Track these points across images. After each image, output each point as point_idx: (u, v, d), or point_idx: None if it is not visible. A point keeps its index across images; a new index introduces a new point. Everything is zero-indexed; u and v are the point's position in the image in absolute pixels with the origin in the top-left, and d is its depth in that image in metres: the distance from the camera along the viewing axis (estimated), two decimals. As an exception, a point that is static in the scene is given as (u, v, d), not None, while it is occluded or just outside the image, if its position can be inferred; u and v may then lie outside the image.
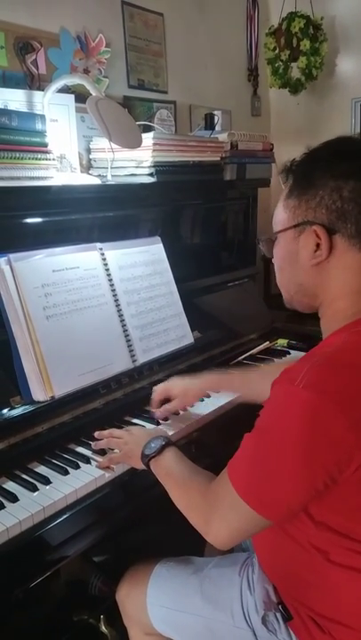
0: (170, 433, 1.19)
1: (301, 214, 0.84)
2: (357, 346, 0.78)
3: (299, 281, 0.88)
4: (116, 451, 1.08)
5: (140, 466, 1.01)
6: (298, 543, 0.85)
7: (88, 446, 1.13)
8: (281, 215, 0.88)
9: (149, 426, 1.23)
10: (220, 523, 0.82)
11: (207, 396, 1.38)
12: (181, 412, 1.29)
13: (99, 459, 1.08)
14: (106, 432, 1.12)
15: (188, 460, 0.98)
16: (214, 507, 0.83)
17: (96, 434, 1.12)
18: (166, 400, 1.26)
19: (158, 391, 1.27)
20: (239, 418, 1.32)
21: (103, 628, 1.32)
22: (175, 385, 1.26)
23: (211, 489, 0.86)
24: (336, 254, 0.82)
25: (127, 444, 1.06)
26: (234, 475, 0.81)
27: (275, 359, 1.65)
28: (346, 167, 0.80)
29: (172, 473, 0.95)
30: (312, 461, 0.73)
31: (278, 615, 0.92)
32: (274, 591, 0.94)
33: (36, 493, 0.98)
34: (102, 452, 1.11)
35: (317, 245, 0.82)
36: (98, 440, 1.12)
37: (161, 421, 1.25)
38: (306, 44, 2.32)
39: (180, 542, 1.21)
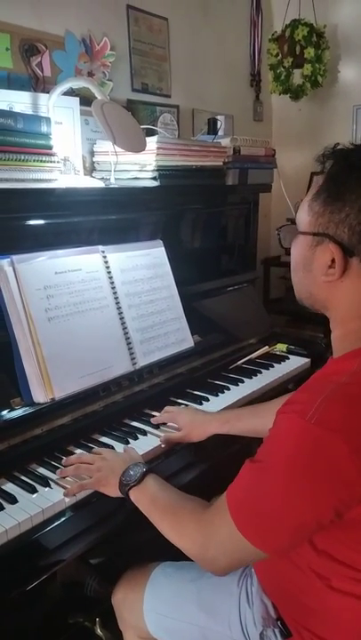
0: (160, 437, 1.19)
1: (323, 225, 0.79)
2: None
3: (310, 290, 0.85)
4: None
5: (116, 494, 0.96)
6: (298, 567, 0.84)
7: (87, 449, 1.13)
8: (304, 216, 0.82)
9: (147, 429, 1.23)
10: (217, 551, 0.80)
11: (206, 399, 1.39)
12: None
13: (67, 485, 1.00)
14: (73, 458, 1.06)
15: (171, 486, 0.94)
16: (211, 535, 0.80)
17: (63, 461, 1.05)
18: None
19: (166, 416, 1.25)
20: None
21: (99, 631, 1.32)
22: (183, 416, 1.22)
23: (206, 516, 0.83)
24: (350, 276, 0.78)
25: (100, 470, 0.99)
26: (233, 505, 0.77)
27: (274, 364, 1.65)
28: None
29: (158, 501, 0.91)
30: (319, 500, 0.71)
31: (277, 631, 0.91)
32: (273, 606, 0.93)
33: (35, 495, 0.98)
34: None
35: (332, 261, 0.78)
36: (66, 465, 1.04)
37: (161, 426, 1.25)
38: (310, 52, 2.34)
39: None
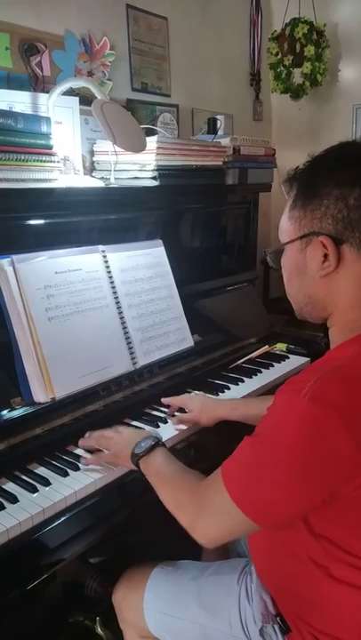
0: (169, 436, 1.20)
1: (307, 225, 0.82)
2: None
3: (308, 292, 0.86)
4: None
5: (130, 466, 1.01)
6: (297, 558, 0.85)
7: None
8: (286, 226, 0.86)
9: (148, 428, 1.23)
10: (208, 521, 0.82)
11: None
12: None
13: (88, 456, 1.08)
14: (96, 432, 1.11)
15: (177, 460, 0.98)
16: (203, 505, 0.83)
17: (87, 433, 1.12)
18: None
19: (178, 400, 1.29)
20: (238, 422, 1.33)
21: (99, 630, 1.33)
22: (195, 401, 1.27)
23: (201, 487, 0.85)
24: (345, 265, 0.81)
25: (117, 444, 1.05)
26: (228, 476, 0.80)
27: (274, 363, 1.65)
28: (350, 174, 0.79)
29: (161, 472, 0.95)
30: (311, 475, 0.72)
31: (276, 627, 0.91)
32: (272, 603, 0.94)
33: (36, 494, 0.98)
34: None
35: (325, 256, 0.80)
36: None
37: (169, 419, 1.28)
38: (310, 50, 2.33)
39: (178, 546, 1.21)
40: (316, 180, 0.81)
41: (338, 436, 0.70)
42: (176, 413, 1.29)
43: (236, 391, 1.45)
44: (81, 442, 1.11)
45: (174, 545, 1.15)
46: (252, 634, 0.93)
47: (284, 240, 0.87)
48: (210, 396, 1.36)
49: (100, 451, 1.09)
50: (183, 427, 1.25)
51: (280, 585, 0.93)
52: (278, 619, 0.92)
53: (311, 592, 0.85)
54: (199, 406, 1.24)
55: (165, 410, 1.32)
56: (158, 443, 1.01)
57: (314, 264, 0.82)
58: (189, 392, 1.41)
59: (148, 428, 1.22)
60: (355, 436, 0.70)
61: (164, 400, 1.31)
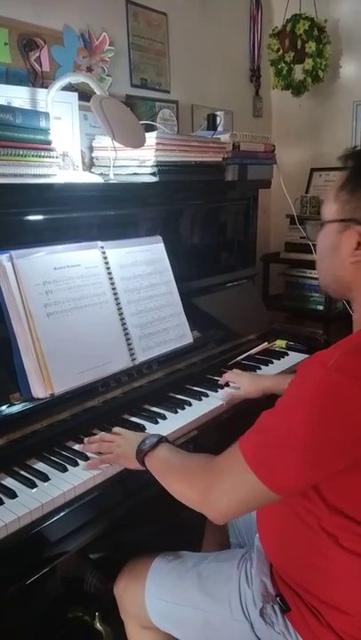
0: (168, 432, 1.20)
1: (350, 211, 0.85)
2: None
3: (336, 273, 0.90)
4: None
5: (135, 465, 1.02)
6: (307, 525, 0.86)
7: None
8: (331, 206, 0.89)
9: (147, 424, 1.23)
10: (221, 493, 0.82)
11: (205, 395, 1.39)
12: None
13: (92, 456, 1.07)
14: (97, 437, 1.12)
15: (183, 450, 1.00)
16: (216, 477, 0.84)
17: (86, 440, 1.12)
18: None
19: (229, 376, 1.42)
20: (239, 418, 1.33)
21: (98, 625, 1.33)
22: (243, 378, 1.40)
23: (214, 462, 0.87)
24: None
25: (120, 446, 1.06)
26: (245, 444, 0.81)
27: (273, 360, 1.65)
28: None
29: (168, 461, 0.96)
30: (330, 439, 0.74)
31: (276, 607, 0.93)
32: (272, 584, 0.95)
33: (35, 490, 0.98)
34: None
35: (358, 244, 0.85)
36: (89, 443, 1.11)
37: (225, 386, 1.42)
38: (311, 47, 2.33)
39: (178, 539, 1.22)
40: None
41: (358, 403, 0.73)
42: (226, 389, 1.41)
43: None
44: (82, 448, 1.11)
45: (174, 540, 1.16)
46: (253, 616, 0.94)
47: (325, 217, 0.91)
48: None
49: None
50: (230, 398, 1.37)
51: (286, 551, 0.94)
52: (278, 598, 0.93)
53: (318, 558, 0.86)
54: (248, 381, 1.38)
55: (165, 405, 1.32)
56: (162, 439, 1.02)
57: (347, 249, 0.86)
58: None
59: (149, 425, 1.22)
60: None
61: (221, 380, 1.44)
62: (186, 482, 0.90)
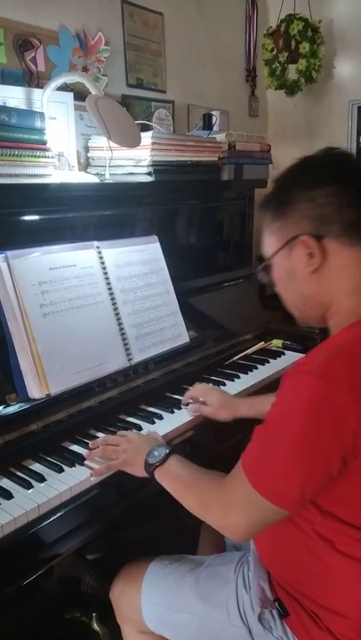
0: (165, 431, 1.20)
1: (287, 232, 0.87)
2: None
3: (303, 293, 0.90)
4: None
5: (142, 474, 1.01)
6: (302, 531, 0.86)
7: (83, 444, 1.13)
8: (269, 241, 0.91)
9: (143, 424, 1.23)
10: (237, 516, 0.83)
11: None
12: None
13: (94, 465, 1.04)
14: (100, 440, 1.10)
15: (192, 463, 0.98)
16: (230, 501, 0.84)
17: (91, 444, 1.10)
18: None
19: (197, 391, 1.30)
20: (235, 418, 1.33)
21: (95, 626, 1.33)
22: (214, 395, 1.27)
23: (225, 484, 0.87)
24: (330, 257, 0.84)
25: (126, 451, 1.04)
26: (247, 467, 0.82)
27: (269, 359, 1.66)
28: (312, 178, 0.85)
29: (181, 477, 0.95)
30: (323, 447, 0.74)
31: (274, 612, 0.93)
32: (270, 588, 0.95)
33: (31, 491, 0.98)
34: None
35: (310, 255, 0.85)
36: (94, 444, 1.09)
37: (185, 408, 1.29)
38: (305, 47, 2.33)
39: (174, 541, 1.22)
40: (286, 194, 0.88)
41: (346, 406, 0.73)
42: (190, 403, 1.29)
43: (231, 387, 1.45)
44: (88, 455, 1.07)
45: (170, 540, 1.16)
46: (251, 621, 0.94)
47: (270, 254, 0.91)
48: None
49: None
50: (196, 414, 1.26)
51: (281, 557, 0.94)
52: (276, 603, 0.93)
53: (314, 563, 0.87)
54: (219, 402, 1.25)
55: (161, 405, 1.32)
56: (172, 450, 1.00)
57: (301, 264, 0.86)
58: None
59: (147, 430, 1.20)
60: None
61: (186, 395, 1.31)
62: (202, 504, 0.90)
